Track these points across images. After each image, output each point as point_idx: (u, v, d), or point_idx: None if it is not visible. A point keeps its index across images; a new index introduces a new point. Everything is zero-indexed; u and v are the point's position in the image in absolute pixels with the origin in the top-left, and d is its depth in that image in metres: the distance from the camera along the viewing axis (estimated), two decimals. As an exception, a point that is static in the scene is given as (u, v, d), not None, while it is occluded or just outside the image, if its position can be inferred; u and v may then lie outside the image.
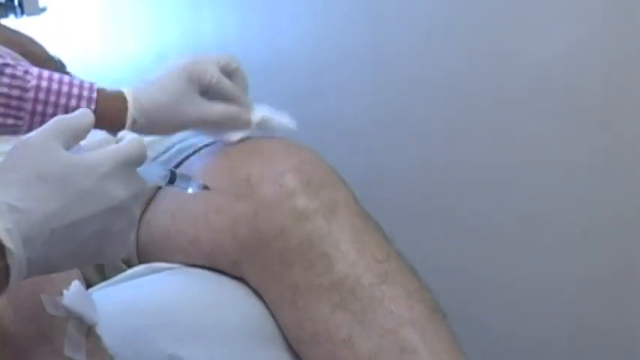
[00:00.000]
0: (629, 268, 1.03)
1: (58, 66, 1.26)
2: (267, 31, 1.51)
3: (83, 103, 0.72)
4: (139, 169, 0.57)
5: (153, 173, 0.60)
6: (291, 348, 0.74)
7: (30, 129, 0.71)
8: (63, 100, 0.72)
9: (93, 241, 0.53)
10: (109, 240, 0.54)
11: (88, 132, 0.55)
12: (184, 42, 1.76)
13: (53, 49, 1.31)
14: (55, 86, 0.71)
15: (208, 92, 0.78)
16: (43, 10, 1.89)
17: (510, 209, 1.14)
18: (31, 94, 0.70)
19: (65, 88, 0.72)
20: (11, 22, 1.74)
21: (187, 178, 0.62)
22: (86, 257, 0.54)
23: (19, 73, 0.70)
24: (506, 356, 1.17)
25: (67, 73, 1.27)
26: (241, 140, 0.80)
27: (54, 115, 0.70)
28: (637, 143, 0.98)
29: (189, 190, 0.63)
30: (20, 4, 1.80)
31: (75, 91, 0.72)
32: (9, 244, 0.48)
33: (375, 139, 1.33)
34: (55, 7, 2.00)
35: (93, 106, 0.72)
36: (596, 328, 1.07)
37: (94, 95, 0.73)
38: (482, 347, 1.09)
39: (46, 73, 0.72)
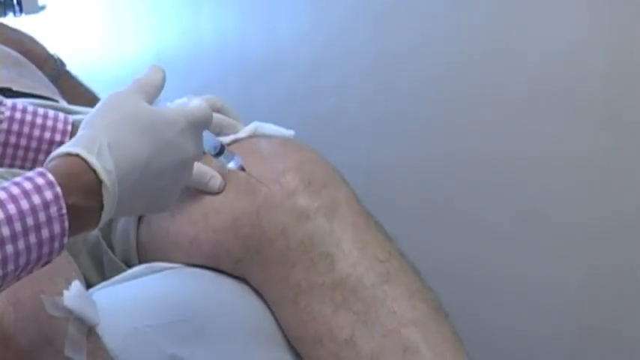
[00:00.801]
0: (630, 268, 1.02)
1: (57, 64, 1.26)
2: (267, 30, 1.51)
3: (57, 135, 0.72)
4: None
5: (208, 141, 0.67)
6: (292, 348, 0.73)
7: (2, 160, 0.71)
8: (37, 132, 0.71)
9: (165, 190, 0.58)
10: (174, 191, 0.60)
11: (162, 88, 0.61)
12: (184, 41, 1.75)
13: (52, 48, 1.31)
14: (29, 118, 0.71)
15: None
16: (42, 8, 1.88)
17: (511, 208, 1.14)
18: (4, 126, 0.70)
19: (39, 120, 0.71)
20: (10, 20, 1.74)
21: (231, 155, 0.69)
22: (156, 205, 0.59)
23: None
24: (508, 355, 1.17)
25: (67, 72, 1.28)
26: (237, 141, 0.79)
27: (27, 146, 0.70)
28: (638, 142, 0.98)
29: (230, 165, 0.69)
30: (19, 3, 1.79)
31: (49, 123, 0.72)
32: (108, 182, 0.51)
33: (375, 137, 1.33)
34: (55, 6, 2.00)
35: (67, 139, 0.72)
36: (596, 327, 1.07)
37: (69, 128, 0.73)
38: (485, 346, 1.08)
39: (20, 104, 0.72)
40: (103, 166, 0.52)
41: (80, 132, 0.55)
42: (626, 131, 0.99)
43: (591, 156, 1.03)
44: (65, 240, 0.50)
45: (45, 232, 0.49)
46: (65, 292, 0.61)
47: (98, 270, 0.84)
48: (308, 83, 1.44)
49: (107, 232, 0.85)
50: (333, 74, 1.38)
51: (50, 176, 0.50)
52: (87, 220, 0.52)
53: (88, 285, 0.77)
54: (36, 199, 0.48)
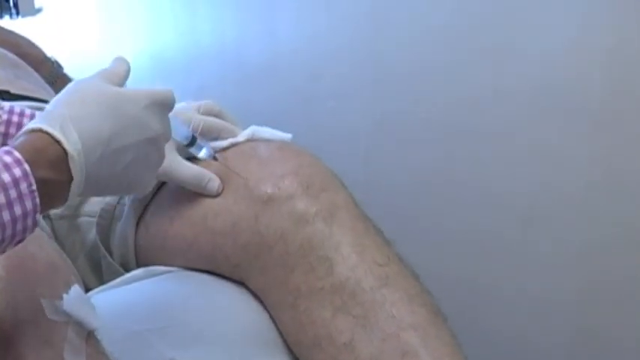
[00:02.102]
0: (630, 272, 1.03)
1: (55, 67, 1.26)
2: (265, 34, 1.51)
3: None
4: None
5: (179, 132, 0.69)
6: (291, 352, 0.73)
7: None
8: None
9: (132, 168, 0.59)
10: (144, 170, 0.61)
11: (126, 78, 0.63)
12: (181, 43, 1.75)
13: (49, 51, 1.30)
14: (26, 121, 0.71)
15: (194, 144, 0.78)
16: (39, 10, 1.88)
17: (511, 213, 1.14)
18: (1, 129, 0.70)
19: None
20: (7, 23, 1.73)
21: (202, 145, 0.70)
22: (124, 184, 0.60)
23: None
24: None
25: (64, 75, 1.27)
26: (234, 145, 0.79)
27: None
28: (638, 146, 0.98)
29: (201, 155, 0.71)
30: (15, 5, 1.79)
31: None
32: (74, 152, 0.53)
33: (373, 142, 1.33)
34: (51, 8, 1.99)
35: None
36: (595, 331, 1.07)
37: None
38: (483, 351, 1.08)
39: (17, 108, 0.72)
40: (67, 137, 0.53)
41: (44, 111, 0.56)
42: (626, 135, 0.99)
43: (591, 160, 1.03)
44: (37, 216, 0.51)
45: (17, 209, 0.50)
46: (64, 296, 0.60)
47: (96, 274, 0.84)
48: (306, 87, 1.44)
49: (105, 236, 0.85)
50: (331, 78, 1.38)
51: (17, 154, 0.50)
52: (57, 194, 0.53)
53: (86, 289, 0.77)
54: (5, 177, 0.49)
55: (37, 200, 0.51)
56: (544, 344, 1.13)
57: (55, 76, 1.26)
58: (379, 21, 1.26)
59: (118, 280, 0.78)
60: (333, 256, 0.71)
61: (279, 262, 0.72)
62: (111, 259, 0.83)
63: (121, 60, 0.64)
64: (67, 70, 1.29)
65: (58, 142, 0.53)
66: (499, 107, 1.12)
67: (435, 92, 1.20)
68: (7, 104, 0.73)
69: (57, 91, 1.21)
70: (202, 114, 0.80)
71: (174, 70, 1.78)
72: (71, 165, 0.53)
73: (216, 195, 0.76)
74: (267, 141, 0.79)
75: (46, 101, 1.05)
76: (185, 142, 0.72)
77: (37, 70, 1.21)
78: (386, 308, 0.68)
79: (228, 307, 0.74)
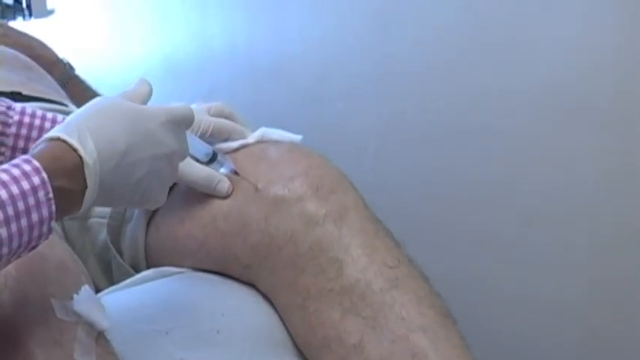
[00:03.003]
0: (634, 273, 1.02)
1: (67, 68, 1.27)
2: (275, 35, 1.51)
3: None
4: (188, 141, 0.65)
5: (199, 149, 0.70)
6: (301, 353, 0.73)
7: None
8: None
9: (145, 181, 0.60)
10: (156, 184, 0.62)
11: (148, 100, 0.64)
12: (192, 45, 1.76)
13: (61, 52, 1.31)
14: (37, 122, 0.71)
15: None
16: (51, 12, 1.89)
17: (519, 215, 1.13)
18: (13, 130, 0.70)
19: (48, 125, 0.72)
20: (19, 24, 1.74)
21: (223, 161, 0.72)
22: (137, 197, 0.61)
23: (1, 108, 0.70)
24: (516, 362, 1.17)
25: (76, 76, 1.28)
26: (244, 147, 0.79)
27: None
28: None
29: (221, 170, 0.72)
30: (28, 7, 1.80)
31: None
32: (90, 160, 0.54)
33: (382, 143, 1.33)
34: (63, 10, 2.00)
35: None
36: (601, 332, 1.07)
37: None
38: (492, 353, 1.08)
39: (29, 109, 0.72)
40: (84, 146, 0.54)
41: (64, 121, 0.58)
42: (632, 137, 0.99)
43: (596, 160, 1.03)
44: (52, 223, 0.53)
45: (35, 216, 0.51)
46: (75, 297, 0.61)
47: (106, 275, 0.85)
48: (315, 88, 1.44)
49: (116, 238, 0.85)
50: (341, 79, 1.38)
51: (36, 162, 0.52)
52: (72, 202, 0.55)
53: (96, 290, 0.77)
54: (25, 185, 0.51)
55: (54, 208, 0.52)
56: (549, 345, 1.13)
57: (67, 78, 1.26)
58: (387, 23, 1.26)
59: (128, 280, 0.78)
60: (342, 257, 0.71)
61: (288, 264, 0.72)
62: (121, 260, 0.83)
63: (143, 82, 0.65)
64: (79, 71, 1.30)
65: (75, 150, 0.54)
66: (507, 107, 1.11)
67: (443, 93, 1.20)
68: (18, 105, 0.73)
69: (69, 92, 1.22)
70: (213, 115, 0.80)
71: (185, 71, 1.79)
72: (86, 172, 0.54)
73: (226, 196, 0.76)
74: (277, 142, 0.79)
75: (57, 103, 1.05)
76: (206, 159, 0.72)
77: (49, 71, 1.22)
78: (395, 310, 0.68)
79: (237, 308, 0.74)
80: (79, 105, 1.17)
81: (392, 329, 0.67)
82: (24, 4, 1.77)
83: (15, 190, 0.50)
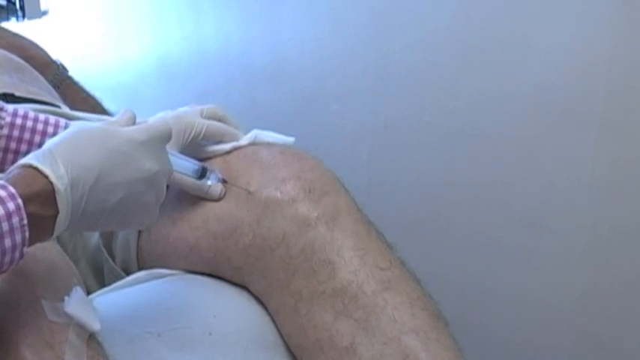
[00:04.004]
0: (632, 277, 1.02)
1: (60, 70, 1.26)
2: (270, 36, 1.51)
3: None
4: (173, 162, 0.65)
5: (186, 166, 0.70)
6: (293, 356, 0.73)
7: (3, 165, 0.72)
8: (37, 138, 0.72)
9: (123, 205, 0.59)
10: (137, 208, 0.61)
11: (131, 124, 0.63)
12: (186, 46, 1.76)
13: (55, 53, 1.31)
14: (29, 124, 0.72)
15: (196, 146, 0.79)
16: (45, 13, 1.89)
17: (513, 217, 1.13)
18: (5, 131, 0.71)
19: (40, 127, 0.72)
20: (13, 25, 1.74)
21: (212, 173, 0.72)
22: (115, 220, 0.60)
23: None
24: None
25: (69, 77, 1.28)
26: (237, 149, 0.79)
27: (28, 153, 0.70)
28: (640, 150, 0.98)
29: (209, 182, 0.72)
30: (22, 8, 1.80)
31: (50, 129, 0.73)
32: (60, 186, 0.54)
33: (377, 145, 1.33)
34: (57, 11, 2.00)
35: None
36: (597, 336, 1.07)
37: None
38: (485, 355, 1.08)
39: (21, 110, 0.72)
40: (55, 172, 0.54)
41: (39, 149, 0.57)
42: (630, 141, 0.99)
43: (595, 165, 1.03)
44: (25, 249, 0.53)
45: (7, 242, 0.51)
46: (66, 298, 0.61)
47: (98, 278, 0.84)
48: (310, 90, 1.44)
49: (108, 240, 0.85)
50: (336, 81, 1.38)
51: (11, 188, 0.52)
52: (44, 229, 0.54)
53: (87, 293, 0.77)
54: None
55: (27, 234, 0.52)
56: (546, 349, 1.13)
57: (61, 79, 1.26)
58: (383, 24, 1.26)
59: (120, 282, 0.78)
60: (335, 259, 0.71)
61: (280, 266, 0.72)
62: (113, 264, 0.83)
63: (126, 111, 0.65)
64: (73, 72, 1.30)
65: (46, 176, 0.54)
66: (503, 110, 1.12)
67: (439, 95, 1.20)
68: (10, 107, 0.73)
69: (62, 94, 1.22)
70: (205, 118, 0.80)
71: (179, 72, 1.78)
72: (57, 199, 0.54)
73: (219, 199, 0.76)
74: (270, 145, 0.79)
75: (50, 104, 1.05)
76: (195, 176, 0.72)
77: (42, 73, 1.22)
78: (387, 312, 0.68)
79: (230, 310, 0.74)
80: (72, 106, 1.16)
81: (384, 331, 0.67)
82: (17, 5, 1.77)
83: None
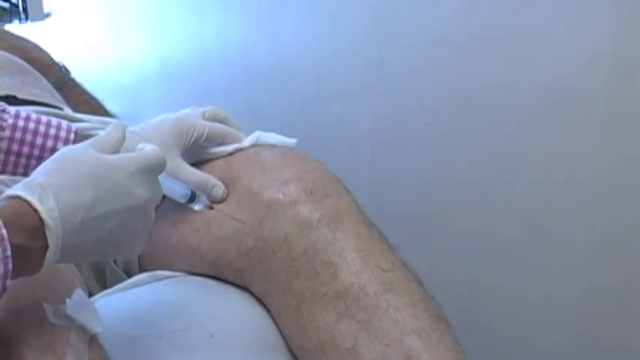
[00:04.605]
0: (633, 277, 1.02)
1: (62, 72, 1.26)
2: (272, 38, 1.51)
3: (60, 143, 0.72)
4: (163, 185, 0.64)
5: (175, 191, 0.69)
6: (295, 357, 0.73)
7: (5, 167, 0.71)
8: (39, 140, 0.72)
9: (114, 235, 0.58)
10: (127, 236, 0.60)
11: (120, 145, 0.62)
12: (188, 48, 1.76)
13: (57, 55, 1.31)
14: (32, 125, 0.71)
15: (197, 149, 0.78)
16: (48, 15, 1.89)
17: (514, 218, 1.13)
18: (7, 133, 0.70)
19: (42, 128, 0.72)
20: (16, 27, 1.74)
21: (199, 197, 0.71)
22: (107, 250, 0.59)
23: None
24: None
25: (72, 79, 1.28)
26: (239, 151, 0.79)
27: (30, 154, 0.71)
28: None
29: (195, 207, 0.72)
30: (25, 10, 1.80)
31: (52, 131, 0.72)
32: (50, 220, 0.53)
33: (378, 145, 1.33)
34: (60, 13, 2.00)
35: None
36: (598, 335, 1.07)
37: (72, 136, 0.73)
38: (486, 354, 1.08)
39: (23, 112, 0.72)
40: (44, 205, 0.53)
41: (28, 178, 0.56)
42: (630, 143, 0.99)
43: (596, 167, 1.03)
44: (8, 282, 0.51)
45: None
46: (67, 300, 0.60)
47: (99, 280, 0.84)
48: (311, 91, 1.44)
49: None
50: (337, 82, 1.38)
51: None
52: (31, 261, 0.53)
53: (89, 295, 0.77)
54: None
55: (10, 266, 0.51)
56: (547, 349, 1.13)
57: (63, 81, 1.26)
58: (384, 24, 1.26)
59: (122, 284, 0.78)
60: (337, 261, 0.70)
61: (282, 267, 0.72)
62: (114, 266, 0.83)
63: (116, 126, 0.63)
64: (75, 74, 1.30)
65: (35, 210, 0.53)
66: (504, 111, 1.12)
67: (439, 95, 1.20)
68: (13, 108, 0.73)
69: (64, 96, 1.22)
70: (208, 119, 0.80)
71: (180, 74, 1.79)
72: (47, 233, 0.53)
73: (221, 201, 0.76)
74: (272, 146, 0.79)
75: (52, 106, 1.05)
76: (184, 201, 0.71)
77: (44, 74, 1.22)
78: (390, 313, 0.68)
79: (231, 312, 0.74)
80: (74, 108, 1.16)
81: (386, 333, 0.67)
82: (20, 8, 1.77)
83: None
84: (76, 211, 0.55)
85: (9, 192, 0.54)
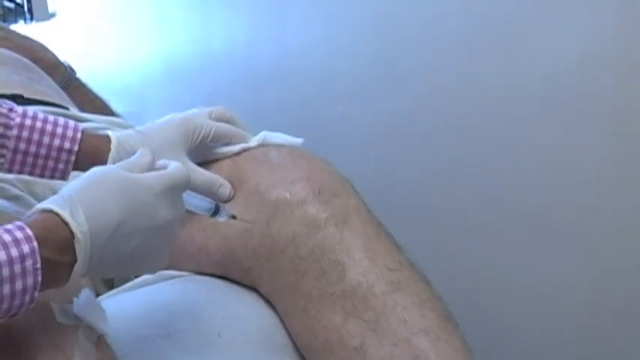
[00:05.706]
0: (636, 271, 1.02)
1: (68, 72, 1.27)
2: (276, 38, 1.51)
3: (67, 142, 0.72)
4: (185, 200, 0.65)
5: (199, 206, 0.69)
6: (302, 357, 0.73)
7: (12, 166, 0.72)
8: (46, 139, 0.72)
9: (138, 252, 0.59)
10: (150, 254, 0.61)
11: (150, 168, 0.63)
12: (193, 48, 1.76)
13: (62, 55, 1.31)
14: (39, 125, 0.71)
15: (204, 150, 0.78)
16: (53, 15, 1.90)
17: (520, 215, 1.13)
18: (14, 132, 0.70)
19: (49, 127, 0.72)
20: (21, 27, 1.75)
21: (223, 208, 0.70)
22: (130, 266, 0.61)
23: (3, 110, 0.71)
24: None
25: (77, 79, 1.28)
26: (246, 151, 0.79)
27: (36, 153, 0.71)
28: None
29: (220, 219, 0.70)
30: (30, 10, 1.81)
31: (59, 130, 0.73)
32: (80, 235, 0.54)
33: (383, 145, 1.33)
34: (65, 13, 2.01)
35: (76, 147, 0.73)
36: (603, 331, 1.07)
37: (79, 135, 0.73)
38: (491, 352, 1.08)
39: (30, 111, 0.72)
40: (75, 219, 0.54)
41: (59, 193, 0.57)
42: (634, 139, 0.99)
43: (600, 163, 1.03)
44: (36, 294, 0.52)
45: (18, 284, 0.51)
46: (75, 300, 0.61)
47: (106, 280, 0.85)
48: (316, 91, 1.44)
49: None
50: (342, 81, 1.38)
51: (28, 230, 0.52)
52: (59, 274, 0.54)
53: (97, 295, 0.77)
54: (14, 252, 0.50)
55: (39, 278, 0.52)
56: (554, 344, 1.13)
57: (68, 81, 1.26)
58: (389, 24, 1.26)
59: (130, 284, 0.78)
60: (344, 260, 0.70)
61: (290, 267, 0.72)
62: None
63: (145, 153, 0.65)
64: (80, 74, 1.30)
65: (66, 223, 0.54)
66: (510, 109, 1.11)
67: (445, 95, 1.20)
68: (20, 108, 0.73)
69: (70, 95, 1.22)
70: (214, 120, 0.80)
71: (185, 74, 1.79)
72: (76, 247, 0.54)
73: (228, 200, 0.76)
74: (279, 146, 0.79)
75: (59, 105, 1.05)
76: (208, 214, 0.71)
77: (50, 74, 1.22)
78: (397, 313, 0.68)
79: (239, 311, 0.74)
80: (80, 108, 1.17)
81: (394, 332, 0.67)
82: (25, 8, 1.78)
83: (2, 256, 0.50)
84: (104, 228, 0.56)
85: (40, 205, 0.55)
